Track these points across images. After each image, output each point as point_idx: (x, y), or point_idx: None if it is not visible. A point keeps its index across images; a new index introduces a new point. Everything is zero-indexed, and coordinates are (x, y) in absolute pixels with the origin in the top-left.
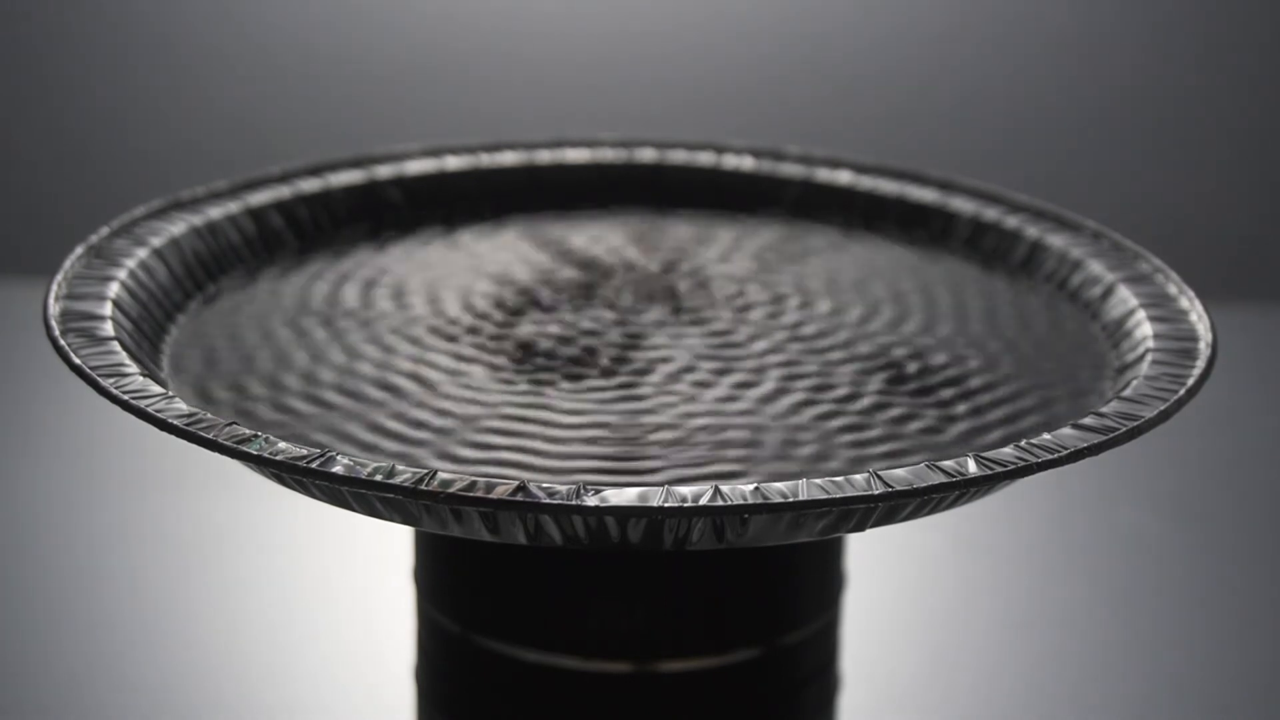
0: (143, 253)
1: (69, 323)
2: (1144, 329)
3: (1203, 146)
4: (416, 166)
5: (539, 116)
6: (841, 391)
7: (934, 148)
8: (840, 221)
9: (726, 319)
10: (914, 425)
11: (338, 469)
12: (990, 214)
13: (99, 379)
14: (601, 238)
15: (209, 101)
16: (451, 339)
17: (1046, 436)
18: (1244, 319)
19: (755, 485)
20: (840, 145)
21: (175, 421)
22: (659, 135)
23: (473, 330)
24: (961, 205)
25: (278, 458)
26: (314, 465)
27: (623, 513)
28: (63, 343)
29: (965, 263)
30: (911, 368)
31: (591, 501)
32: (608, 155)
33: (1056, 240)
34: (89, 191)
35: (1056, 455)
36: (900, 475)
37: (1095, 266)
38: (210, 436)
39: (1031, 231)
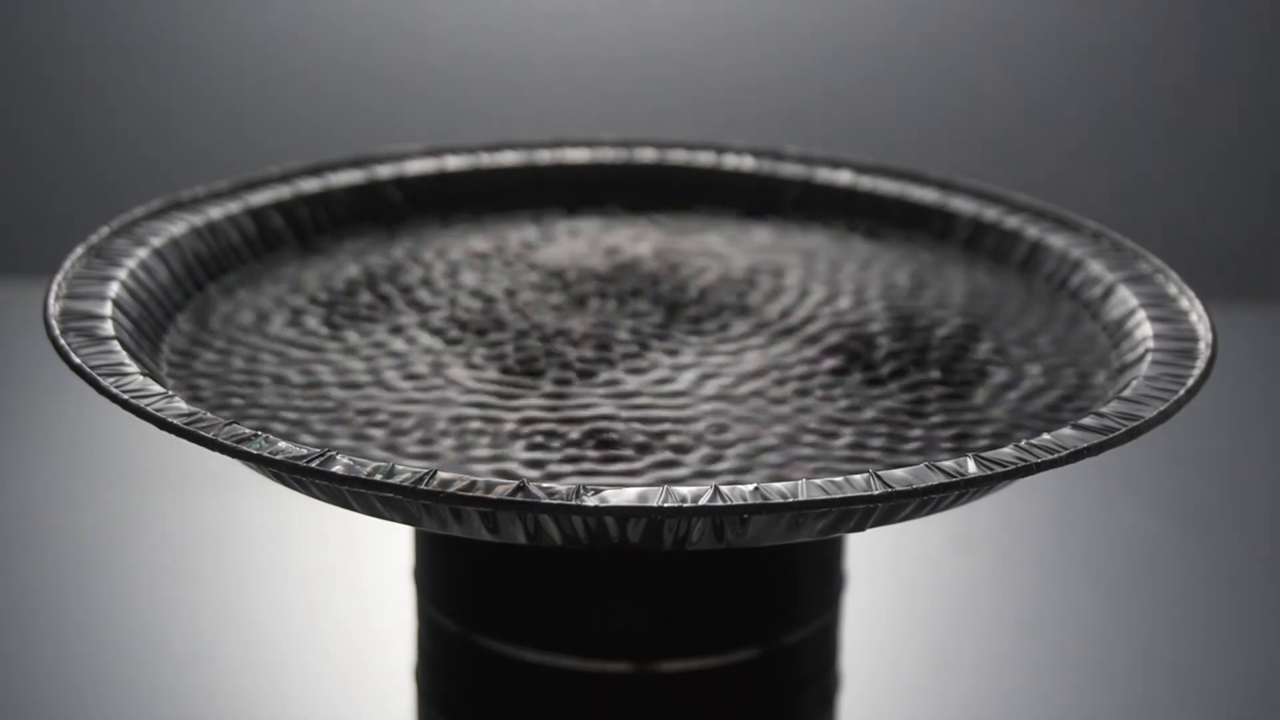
0: (143, 253)
1: (69, 322)
2: (1144, 329)
3: (1203, 147)
4: (416, 166)
5: (539, 116)
6: (840, 390)
7: (934, 148)
8: (840, 221)
9: (727, 319)
10: (911, 425)
11: (338, 469)
12: (990, 214)
13: (99, 379)
14: (602, 238)
15: (209, 101)
16: (452, 338)
17: (1046, 436)
18: (1244, 319)
19: (755, 485)
20: (840, 145)
21: (175, 421)
22: (659, 135)
23: (471, 329)
24: (961, 205)
25: (278, 458)
26: (314, 465)
27: (622, 513)
28: (63, 342)
29: (965, 263)
30: (909, 368)
31: (591, 501)
32: (608, 155)
33: (1056, 240)
34: (89, 191)
35: (1056, 455)
36: (900, 475)
37: (1095, 266)
38: (210, 436)
39: (1031, 231)
